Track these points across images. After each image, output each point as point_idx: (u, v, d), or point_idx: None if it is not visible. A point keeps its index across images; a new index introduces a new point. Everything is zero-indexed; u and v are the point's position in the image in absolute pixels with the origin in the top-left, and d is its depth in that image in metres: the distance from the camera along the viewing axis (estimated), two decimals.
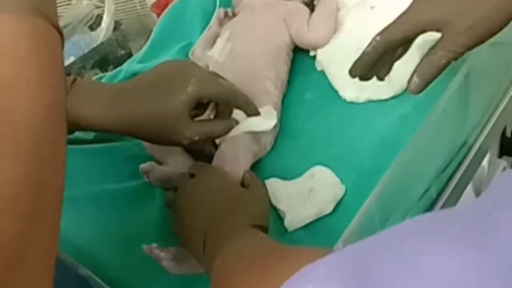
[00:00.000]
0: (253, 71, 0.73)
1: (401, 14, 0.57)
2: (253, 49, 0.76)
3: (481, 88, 0.66)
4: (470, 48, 0.55)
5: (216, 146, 0.70)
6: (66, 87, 0.34)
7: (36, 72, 0.31)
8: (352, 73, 0.62)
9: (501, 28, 0.54)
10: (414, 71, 0.57)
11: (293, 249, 0.45)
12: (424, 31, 0.56)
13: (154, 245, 0.59)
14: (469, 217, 0.25)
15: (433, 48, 0.58)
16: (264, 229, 0.55)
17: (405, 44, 0.60)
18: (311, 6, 0.82)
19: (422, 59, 0.58)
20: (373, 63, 0.60)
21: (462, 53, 0.55)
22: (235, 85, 0.69)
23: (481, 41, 0.55)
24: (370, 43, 0.59)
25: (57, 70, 0.33)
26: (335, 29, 0.77)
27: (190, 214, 0.56)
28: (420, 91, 0.58)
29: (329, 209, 0.60)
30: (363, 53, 0.60)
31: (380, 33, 0.58)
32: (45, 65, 0.31)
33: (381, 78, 0.63)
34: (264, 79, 0.73)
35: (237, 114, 0.67)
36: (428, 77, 0.57)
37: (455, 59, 0.56)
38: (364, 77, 0.63)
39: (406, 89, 0.68)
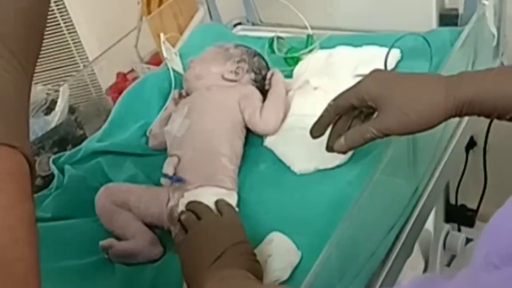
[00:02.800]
0: (209, 148, 0.78)
1: (354, 85, 0.65)
2: (209, 125, 0.80)
3: (420, 154, 0.72)
4: (395, 133, 0.62)
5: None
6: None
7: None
8: (313, 134, 0.69)
9: (429, 128, 0.61)
10: (344, 134, 0.65)
11: None
12: (367, 104, 0.62)
13: None
14: None
15: (369, 120, 0.65)
16: (245, 243, 0.61)
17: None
18: (262, 88, 0.89)
19: (355, 125, 0.65)
20: (328, 124, 0.68)
21: (388, 135, 0.62)
22: (193, 163, 0.74)
23: (408, 132, 0.62)
24: (326, 107, 0.67)
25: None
26: (284, 117, 0.83)
27: (192, 253, 0.60)
28: (344, 152, 0.67)
29: (286, 276, 0.63)
30: (319, 116, 0.68)
31: (333, 99, 0.66)
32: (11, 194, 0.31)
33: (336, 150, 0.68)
34: (220, 155, 0.77)
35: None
36: (352, 143, 0.65)
37: (380, 137, 0.63)
38: (330, 146, 0.69)
39: (350, 158, 0.75)
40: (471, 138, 1.31)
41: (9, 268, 0.30)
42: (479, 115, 0.60)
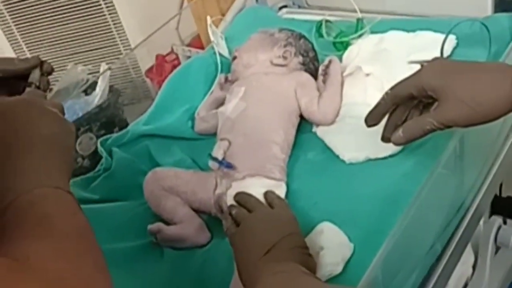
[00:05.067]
0: (262, 135, 0.76)
1: (413, 73, 0.61)
2: (265, 111, 0.79)
3: (475, 149, 0.70)
4: (458, 126, 0.59)
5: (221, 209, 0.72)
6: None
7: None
8: (368, 122, 0.67)
9: (493, 119, 0.57)
10: (402, 126, 0.62)
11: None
12: (427, 94, 0.60)
13: None
14: None
15: (428, 110, 0.62)
16: (298, 235, 0.60)
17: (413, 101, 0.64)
18: (311, 71, 0.87)
19: (413, 117, 0.62)
20: (384, 113, 0.65)
21: (449, 127, 0.60)
22: (243, 149, 0.74)
23: (471, 124, 0.58)
24: (382, 96, 0.64)
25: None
26: (340, 106, 0.81)
27: (245, 246, 0.60)
28: (402, 144, 0.64)
29: (339, 270, 0.61)
30: (376, 105, 0.65)
31: (391, 88, 0.63)
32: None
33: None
34: (272, 143, 0.76)
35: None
36: (411, 135, 0.62)
37: (441, 129, 0.60)
38: (386, 137, 0.67)
39: (403, 148, 0.72)
40: None
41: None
42: None
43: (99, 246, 0.43)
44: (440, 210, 0.64)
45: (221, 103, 0.87)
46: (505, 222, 1.26)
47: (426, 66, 0.61)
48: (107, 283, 0.41)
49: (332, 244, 0.62)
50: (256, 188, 0.70)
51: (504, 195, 1.31)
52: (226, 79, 0.92)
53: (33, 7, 1.88)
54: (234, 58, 0.89)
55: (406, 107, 0.65)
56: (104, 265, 0.42)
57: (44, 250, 0.38)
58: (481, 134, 0.70)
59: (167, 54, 1.39)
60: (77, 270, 0.38)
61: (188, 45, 1.35)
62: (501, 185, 1.31)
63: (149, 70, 1.45)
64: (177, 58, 1.36)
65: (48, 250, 0.39)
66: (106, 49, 1.95)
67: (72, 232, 0.42)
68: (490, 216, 1.23)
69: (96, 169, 0.87)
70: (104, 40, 1.95)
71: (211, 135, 0.85)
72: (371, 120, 0.66)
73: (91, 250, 0.42)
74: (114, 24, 1.89)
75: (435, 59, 0.63)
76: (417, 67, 0.64)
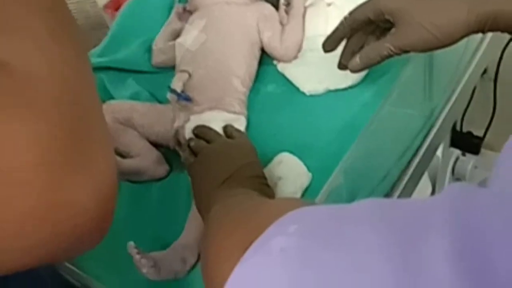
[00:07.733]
0: (223, 67, 0.74)
1: None
2: (227, 43, 0.76)
3: (435, 77, 0.70)
4: (415, 50, 0.58)
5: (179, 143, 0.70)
6: None
7: None
8: (325, 48, 0.66)
9: (450, 44, 0.57)
10: (359, 52, 0.61)
11: (267, 203, 0.46)
12: (384, 18, 0.58)
13: (134, 250, 0.58)
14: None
15: (384, 36, 0.61)
16: (256, 164, 0.59)
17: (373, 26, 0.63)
18: (277, 3, 0.84)
19: (371, 43, 0.61)
20: (341, 38, 0.65)
21: (406, 52, 0.59)
22: (203, 82, 0.71)
23: (428, 49, 0.58)
24: (341, 21, 0.63)
25: None
26: (302, 40, 0.78)
27: (202, 175, 0.59)
28: (359, 71, 0.63)
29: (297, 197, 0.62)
30: (334, 30, 0.64)
31: (349, 12, 0.62)
32: None
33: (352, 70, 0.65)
34: (233, 76, 0.74)
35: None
36: (368, 61, 0.61)
37: (398, 54, 0.59)
38: (342, 64, 0.66)
39: (363, 79, 0.71)
40: None
41: None
42: (503, 31, 0.57)
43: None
44: (395, 138, 0.65)
45: (179, 34, 0.83)
46: (464, 155, 1.29)
47: None
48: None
49: (290, 173, 0.62)
50: (215, 121, 0.69)
51: (464, 130, 1.34)
52: (185, 9, 0.88)
53: None
54: None
55: (363, 33, 0.63)
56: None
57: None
58: (441, 61, 0.69)
59: None
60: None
61: None
62: (462, 120, 1.34)
63: (107, 4, 1.39)
64: None
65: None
66: None
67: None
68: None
69: None
70: None
71: (169, 68, 0.82)
72: (328, 45, 0.65)
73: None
74: None
75: None
76: None
